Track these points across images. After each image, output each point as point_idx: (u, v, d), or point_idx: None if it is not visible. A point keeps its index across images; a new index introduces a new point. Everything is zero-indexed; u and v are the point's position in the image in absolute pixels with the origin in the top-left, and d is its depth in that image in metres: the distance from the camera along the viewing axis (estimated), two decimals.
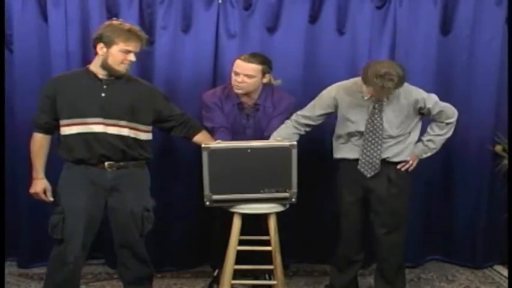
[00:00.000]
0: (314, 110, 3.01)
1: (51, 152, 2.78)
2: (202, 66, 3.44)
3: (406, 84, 2.89)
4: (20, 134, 3.39)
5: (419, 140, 3.00)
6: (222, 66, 3.41)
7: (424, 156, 3.02)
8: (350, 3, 3.47)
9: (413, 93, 2.90)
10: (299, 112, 3.03)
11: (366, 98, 2.85)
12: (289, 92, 3.19)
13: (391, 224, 2.98)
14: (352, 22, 3.48)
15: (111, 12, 3.36)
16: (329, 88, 3.01)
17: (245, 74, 2.94)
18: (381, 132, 2.88)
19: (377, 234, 3.01)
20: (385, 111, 2.88)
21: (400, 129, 2.91)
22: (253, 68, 2.95)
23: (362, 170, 2.93)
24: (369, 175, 2.92)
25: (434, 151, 3.03)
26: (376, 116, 2.88)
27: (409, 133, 2.95)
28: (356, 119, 2.92)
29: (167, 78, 3.39)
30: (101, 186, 2.71)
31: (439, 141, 3.00)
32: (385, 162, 2.93)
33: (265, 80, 3.02)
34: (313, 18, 3.49)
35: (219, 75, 3.44)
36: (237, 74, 2.96)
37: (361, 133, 2.91)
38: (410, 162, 2.97)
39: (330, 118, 3.05)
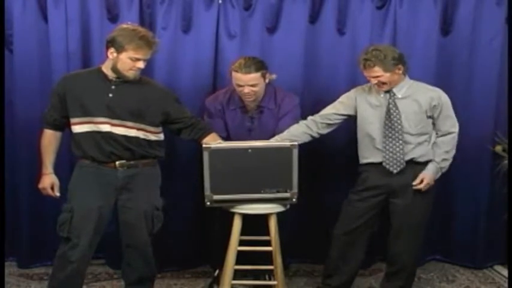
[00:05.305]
0: (332, 109, 3.03)
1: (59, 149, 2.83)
2: (202, 66, 3.43)
3: (424, 84, 2.98)
4: (20, 134, 3.40)
5: (430, 160, 2.95)
6: (223, 66, 3.40)
7: (437, 177, 2.96)
8: (350, 3, 3.47)
9: (429, 92, 2.93)
10: (318, 113, 3.05)
11: (374, 87, 2.91)
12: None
13: (410, 229, 2.97)
14: (352, 22, 3.48)
15: (111, 12, 3.37)
16: (350, 91, 3.06)
17: (248, 84, 2.94)
18: (400, 127, 2.87)
19: (393, 241, 3.02)
20: (402, 108, 2.89)
21: (420, 127, 2.90)
22: (253, 77, 2.93)
23: (388, 166, 2.90)
24: (395, 171, 2.90)
25: (444, 170, 2.98)
26: (392, 112, 2.89)
27: (431, 134, 2.94)
28: (374, 120, 2.93)
29: (167, 78, 3.38)
30: (112, 185, 2.73)
31: (449, 160, 2.96)
32: (412, 162, 2.91)
33: (267, 81, 3.02)
34: (313, 18, 3.49)
35: (219, 75, 3.43)
36: (240, 86, 2.95)
37: (381, 133, 2.91)
38: (426, 181, 2.90)
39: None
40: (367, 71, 2.85)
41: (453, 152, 2.97)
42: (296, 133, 2.96)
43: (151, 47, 2.67)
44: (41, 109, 2.96)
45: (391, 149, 2.90)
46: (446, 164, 2.96)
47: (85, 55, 3.39)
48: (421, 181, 2.90)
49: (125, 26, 2.71)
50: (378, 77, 2.84)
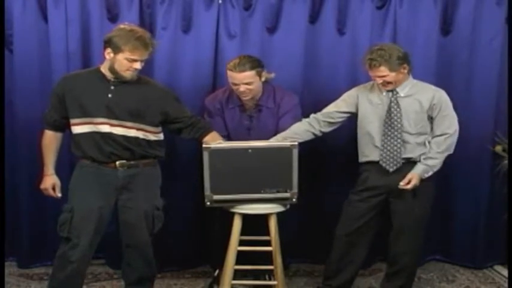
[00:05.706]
0: (334, 107, 3.02)
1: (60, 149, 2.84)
2: (202, 66, 3.43)
3: (428, 84, 2.98)
4: (20, 134, 3.40)
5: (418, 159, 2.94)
6: (222, 66, 3.39)
7: (426, 175, 2.90)
8: (350, 3, 3.47)
9: (431, 91, 2.93)
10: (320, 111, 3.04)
11: (379, 86, 2.90)
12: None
13: (410, 229, 2.97)
14: (352, 22, 3.48)
15: (111, 12, 3.37)
16: (352, 89, 3.06)
17: (243, 83, 2.94)
18: (399, 125, 2.87)
19: (394, 241, 3.02)
20: (404, 107, 2.89)
21: (419, 126, 2.90)
22: (247, 75, 2.93)
23: (384, 164, 2.90)
24: (391, 169, 2.90)
25: (435, 169, 2.91)
26: (393, 110, 2.89)
27: (430, 135, 2.93)
28: (374, 119, 2.93)
29: (167, 78, 3.38)
30: (113, 185, 2.73)
31: (439, 159, 2.90)
32: (410, 162, 2.90)
33: (263, 79, 3.02)
34: (313, 18, 3.49)
35: (219, 75, 3.43)
36: (236, 84, 2.95)
37: (380, 131, 2.91)
38: (414, 181, 2.85)
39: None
40: (373, 71, 2.85)
41: (447, 152, 2.92)
42: (298, 131, 2.96)
43: (148, 48, 2.66)
44: (41, 109, 2.96)
45: (388, 147, 2.89)
46: (435, 162, 2.89)
47: (85, 55, 3.39)
48: (409, 182, 2.86)
49: (122, 26, 2.71)
50: (383, 76, 2.83)
